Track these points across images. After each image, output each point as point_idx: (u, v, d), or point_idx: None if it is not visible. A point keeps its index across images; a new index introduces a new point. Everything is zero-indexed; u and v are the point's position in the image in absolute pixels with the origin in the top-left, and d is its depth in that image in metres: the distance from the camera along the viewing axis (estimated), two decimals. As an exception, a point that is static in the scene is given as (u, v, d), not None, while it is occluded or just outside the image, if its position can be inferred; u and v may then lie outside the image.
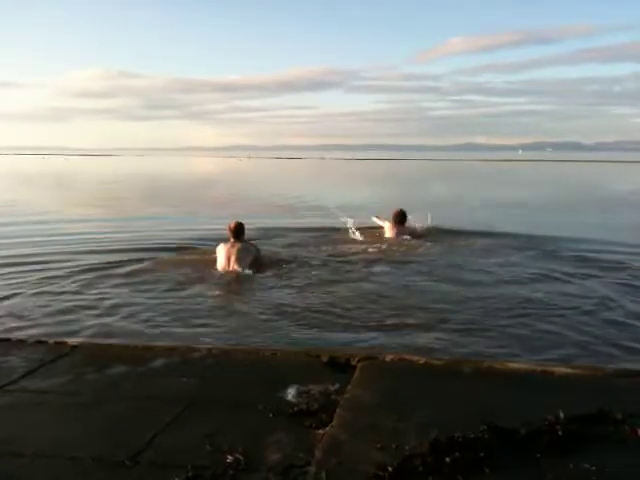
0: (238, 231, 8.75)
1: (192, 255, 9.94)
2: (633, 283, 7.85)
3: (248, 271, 8.25)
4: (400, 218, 11.64)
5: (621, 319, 6.28)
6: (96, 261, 9.25)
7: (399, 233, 11.44)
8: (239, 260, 8.32)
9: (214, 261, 8.59)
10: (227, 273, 8.25)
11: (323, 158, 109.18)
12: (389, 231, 11.65)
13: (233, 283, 7.98)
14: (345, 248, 10.64)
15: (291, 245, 10.97)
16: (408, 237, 11.33)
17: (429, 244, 10.89)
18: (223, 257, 8.43)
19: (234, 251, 8.43)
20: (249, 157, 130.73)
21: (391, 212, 11.91)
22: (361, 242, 11.23)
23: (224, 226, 9.24)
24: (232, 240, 8.66)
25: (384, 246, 10.73)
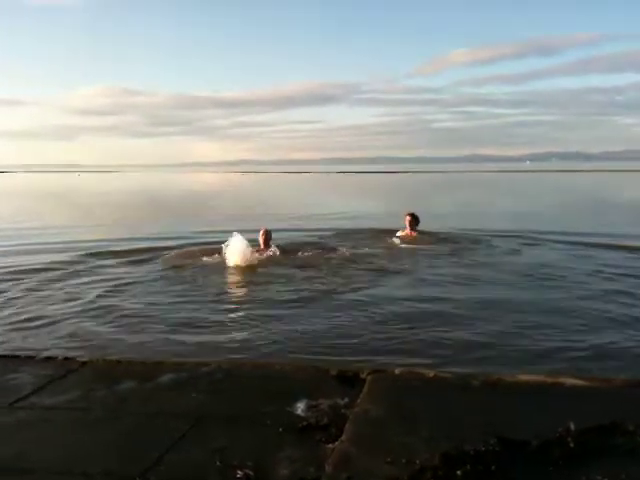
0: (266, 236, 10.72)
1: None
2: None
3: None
4: (414, 220, 12.51)
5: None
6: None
7: (413, 232, 12.38)
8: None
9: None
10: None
11: (328, 172, 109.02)
12: (404, 231, 12.52)
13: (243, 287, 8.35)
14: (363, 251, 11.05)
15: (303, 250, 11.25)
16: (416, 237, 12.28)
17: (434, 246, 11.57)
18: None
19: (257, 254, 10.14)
20: (254, 172, 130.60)
21: (405, 215, 12.76)
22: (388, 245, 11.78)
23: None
24: (261, 243, 10.61)
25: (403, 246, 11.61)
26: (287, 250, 10.84)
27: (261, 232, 10.82)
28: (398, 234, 12.37)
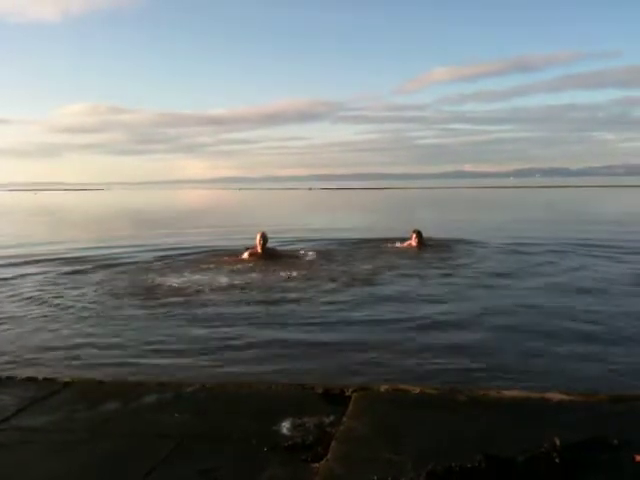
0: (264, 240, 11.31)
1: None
2: None
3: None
4: (419, 236, 13.33)
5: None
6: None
7: (420, 244, 13.22)
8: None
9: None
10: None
11: (310, 188, 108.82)
12: (411, 243, 13.32)
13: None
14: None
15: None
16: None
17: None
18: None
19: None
20: (239, 189, 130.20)
21: (411, 230, 13.45)
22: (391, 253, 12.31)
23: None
24: (259, 246, 11.20)
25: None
26: (278, 259, 10.92)
27: (259, 235, 11.31)
28: (405, 244, 13.24)
